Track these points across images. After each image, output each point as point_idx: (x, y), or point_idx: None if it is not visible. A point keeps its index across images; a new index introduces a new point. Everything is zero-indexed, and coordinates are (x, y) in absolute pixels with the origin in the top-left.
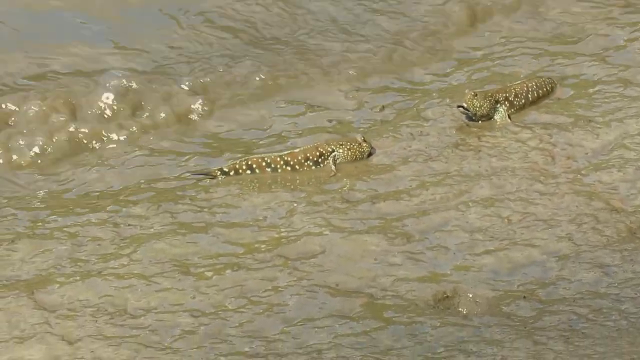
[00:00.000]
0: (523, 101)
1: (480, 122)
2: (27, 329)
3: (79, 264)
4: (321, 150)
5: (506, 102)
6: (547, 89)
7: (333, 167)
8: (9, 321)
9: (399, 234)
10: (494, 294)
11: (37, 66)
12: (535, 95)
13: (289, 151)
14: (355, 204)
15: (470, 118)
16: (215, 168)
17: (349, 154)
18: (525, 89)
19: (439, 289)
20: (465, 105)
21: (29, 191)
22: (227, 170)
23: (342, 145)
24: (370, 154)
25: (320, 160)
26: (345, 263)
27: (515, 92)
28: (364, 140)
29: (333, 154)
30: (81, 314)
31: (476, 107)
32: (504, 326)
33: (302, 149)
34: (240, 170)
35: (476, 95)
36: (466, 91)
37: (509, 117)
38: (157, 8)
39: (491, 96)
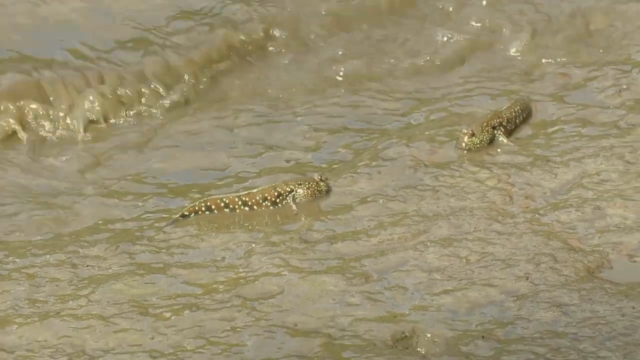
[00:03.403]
0: (514, 126)
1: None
2: None
3: (37, 304)
4: (279, 190)
5: (501, 128)
6: (529, 110)
7: (294, 206)
8: None
9: (357, 274)
10: (452, 333)
11: None
12: (522, 118)
13: (247, 192)
14: (314, 244)
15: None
16: (177, 215)
17: (308, 192)
18: (514, 113)
19: (398, 329)
20: (464, 146)
21: None
22: (187, 213)
23: (300, 184)
24: (328, 192)
25: (278, 200)
26: (303, 303)
27: (507, 118)
28: (322, 179)
29: (292, 193)
30: (39, 355)
31: (476, 143)
32: None
33: (260, 189)
34: (200, 212)
35: (474, 134)
36: (463, 131)
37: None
38: None
39: (487, 125)
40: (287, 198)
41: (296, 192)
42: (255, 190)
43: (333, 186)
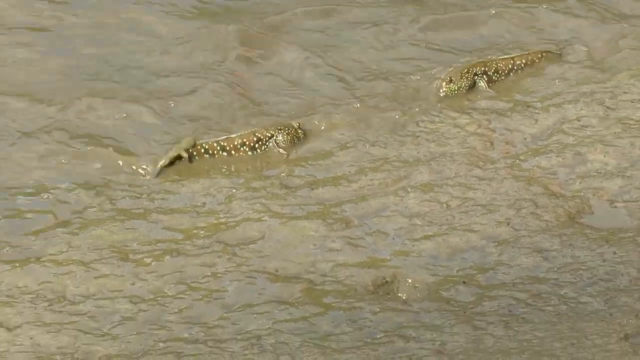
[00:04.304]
0: (503, 78)
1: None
2: None
3: (17, 250)
4: (259, 135)
5: (485, 77)
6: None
7: (281, 150)
8: None
9: (337, 219)
10: (433, 279)
11: None
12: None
13: (226, 136)
14: (294, 189)
15: None
16: (161, 164)
17: (288, 138)
18: (510, 67)
19: (378, 275)
20: (442, 92)
21: None
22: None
23: (280, 130)
24: (304, 139)
25: (257, 145)
26: (284, 249)
27: (496, 68)
28: (299, 127)
29: (273, 138)
30: (20, 300)
31: (453, 90)
32: (443, 311)
33: (239, 134)
34: (182, 159)
35: (451, 80)
36: (441, 77)
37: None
38: None
39: (468, 72)
40: (268, 143)
41: (277, 137)
42: (234, 135)
43: (314, 131)
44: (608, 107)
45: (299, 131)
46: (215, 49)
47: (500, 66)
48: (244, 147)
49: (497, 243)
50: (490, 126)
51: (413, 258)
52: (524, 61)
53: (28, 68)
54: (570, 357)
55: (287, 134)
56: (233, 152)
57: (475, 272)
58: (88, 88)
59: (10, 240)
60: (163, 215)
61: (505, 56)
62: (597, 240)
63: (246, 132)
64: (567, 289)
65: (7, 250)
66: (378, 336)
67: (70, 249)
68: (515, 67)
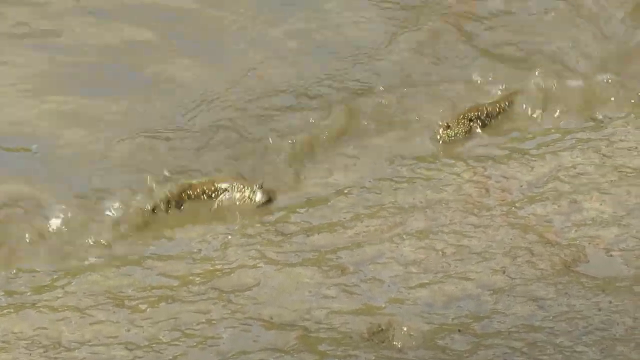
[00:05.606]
0: (494, 121)
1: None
2: None
3: (13, 296)
4: (217, 185)
5: (478, 121)
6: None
7: (217, 203)
8: None
9: (333, 266)
10: (428, 327)
11: None
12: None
13: (189, 182)
14: (290, 236)
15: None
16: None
17: (238, 196)
18: (498, 109)
19: (374, 322)
20: (439, 138)
21: None
22: None
23: (234, 187)
24: (267, 202)
25: (214, 195)
26: (279, 296)
27: (487, 112)
28: (260, 187)
29: (224, 193)
30: (15, 346)
31: (451, 136)
32: None
33: (198, 181)
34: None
35: (449, 126)
36: (439, 123)
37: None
38: None
39: (463, 118)
40: (221, 195)
41: (231, 193)
42: (195, 182)
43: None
44: (604, 155)
45: (257, 194)
46: None
47: (490, 109)
48: (203, 196)
49: (492, 291)
50: (486, 173)
51: (408, 306)
52: (507, 102)
53: None
54: None
55: (241, 192)
56: (194, 197)
57: (471, 320)
58: None
59: (6, 285)
60: (159, 261)
61: (492, 100)
62: (593, 289)
63: (206, 180)
64: (562, 338)
65: (2, 296)
66: None
67: (65, 294)
68: (500, 110)
